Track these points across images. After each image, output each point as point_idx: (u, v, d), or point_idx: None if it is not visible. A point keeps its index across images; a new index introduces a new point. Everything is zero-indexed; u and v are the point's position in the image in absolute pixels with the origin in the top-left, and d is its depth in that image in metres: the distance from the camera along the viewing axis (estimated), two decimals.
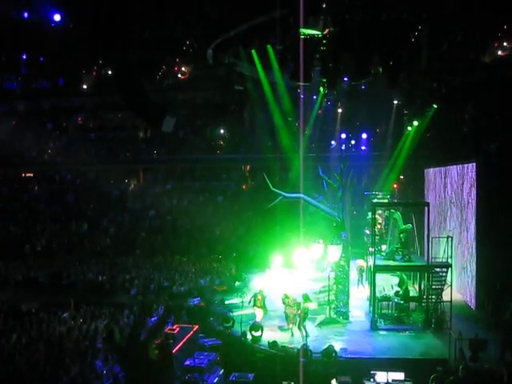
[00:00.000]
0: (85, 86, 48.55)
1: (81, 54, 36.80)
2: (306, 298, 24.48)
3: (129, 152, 47.06)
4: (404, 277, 26.71)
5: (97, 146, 47.65)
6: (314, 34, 23.79)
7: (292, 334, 23.58)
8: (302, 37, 24.45)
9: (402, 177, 40.27)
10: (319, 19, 23.41)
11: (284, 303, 24.40)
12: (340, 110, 39.99)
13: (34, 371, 19.64)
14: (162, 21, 31.61)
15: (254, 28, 24.67)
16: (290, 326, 23.92)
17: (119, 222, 41.77)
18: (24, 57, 36.90)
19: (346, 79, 28.12)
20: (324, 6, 22.96)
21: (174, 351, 20.09)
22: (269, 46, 27.98)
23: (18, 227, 40.99)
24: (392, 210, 29.31)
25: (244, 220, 41.50)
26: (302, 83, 28.00)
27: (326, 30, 23.72)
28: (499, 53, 32.18)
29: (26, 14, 28.75)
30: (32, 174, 48.46)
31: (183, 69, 48.58)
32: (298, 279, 30.32)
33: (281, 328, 24.33)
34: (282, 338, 22.93)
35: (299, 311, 23.39)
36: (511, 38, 31.28)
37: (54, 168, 47.38)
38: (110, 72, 45.78)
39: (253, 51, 29.17)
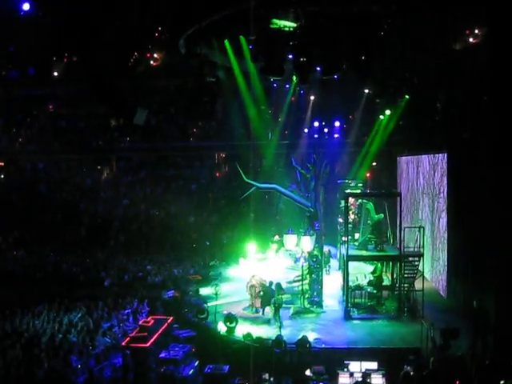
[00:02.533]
0: (56, 74, 47.84)
1: (51, 42, 36.24)
2: (279, 288, 24.78)
3: (101, 140, 46.61)
4: (379, 265, 27.03)
5: (69, 134, 47.11)
6: (285, 26, 23.76)
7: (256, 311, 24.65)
8: (273, 26, 24.38)
9: (375, 164, 40.52)
10: (290, 12, 23.36)
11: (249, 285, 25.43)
12: (313, 98, 39.99)
13: (8, 366, 19.61)
14: (132, 9, 31.29)
15: (227, 18, 24.52)
16: (257, 305, 25.12)
17: (92, 212, 41.51)
18: None
19: (318, 69, 28.03)
20: None
21: (148, 344, 20.17)
22: (241, 37, 27.82)
23: None
24: (365, 200, 29.46)
25: (218, 208, 41.59)
26: (272, 77, 27.95)
27: (297, 24, 23.71)
28: (471, 40, 32.23)
29: None
30: (3, 164, 47.81)
31: (155, 55, 48.10)
32: (272, 268, 30.44)
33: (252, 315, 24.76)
34: (256, 328, 23.06)
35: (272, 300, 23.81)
36: (482, 25, 31.29)
37: (26, 157, 46.81)
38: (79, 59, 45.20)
39: (225, 41, 29.05)
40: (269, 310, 24.40)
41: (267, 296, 24.66)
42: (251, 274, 26.53)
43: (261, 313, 25.11)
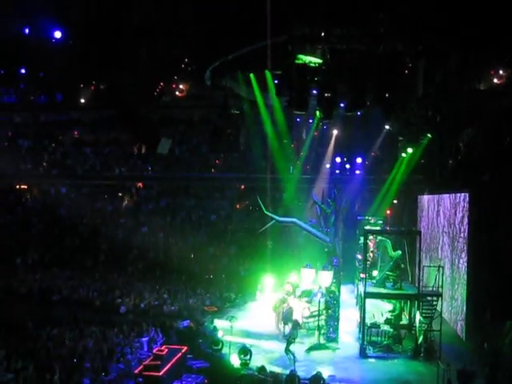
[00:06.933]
0: (82, 100, 48.59)
1: (80, 69, 36.98)
2: (296, 324, 24.60)
3: (124, 167, 46.96)
4: (398, 304, 26.86)
5: (92, 160, 47.59)
6: (311, 62, 23.99)
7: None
8: (299, 62, 24.61)
9: (395, 202, 40.35)
10: (317, 48, 23.64)
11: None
12: (335, 133, 40.07)
13: None
14: (159, 41, 31.90)
15: (253, 53, 24.83)
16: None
17: (112, 238, 41.62)
18: (23, 71, 37.14)
19: (342, 105, 28.18)
20: (322, 34, 23.19)
21: (161, 373, 20.08)
22: (267, 72, 28.09)
23: (11, 239, 40.85)
24: (383, 237, 29.24)
25: (236, 240, 41.53)
26: (297, 112, 28.18)
27: (323, 59, 23.97)
28: (495, 80, 32.30)
29: (26, 30, 29.05)
30: (26, 187, 48.29)
31: (181, 86, 48.72)
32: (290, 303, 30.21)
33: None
34: (270, 362, 22.88)
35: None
36: (507, 66, 31.41)
37: (49, 181, 47.27)
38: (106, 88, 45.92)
39: (251, 75, 29.35)
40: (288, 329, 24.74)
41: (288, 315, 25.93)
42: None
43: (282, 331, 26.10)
